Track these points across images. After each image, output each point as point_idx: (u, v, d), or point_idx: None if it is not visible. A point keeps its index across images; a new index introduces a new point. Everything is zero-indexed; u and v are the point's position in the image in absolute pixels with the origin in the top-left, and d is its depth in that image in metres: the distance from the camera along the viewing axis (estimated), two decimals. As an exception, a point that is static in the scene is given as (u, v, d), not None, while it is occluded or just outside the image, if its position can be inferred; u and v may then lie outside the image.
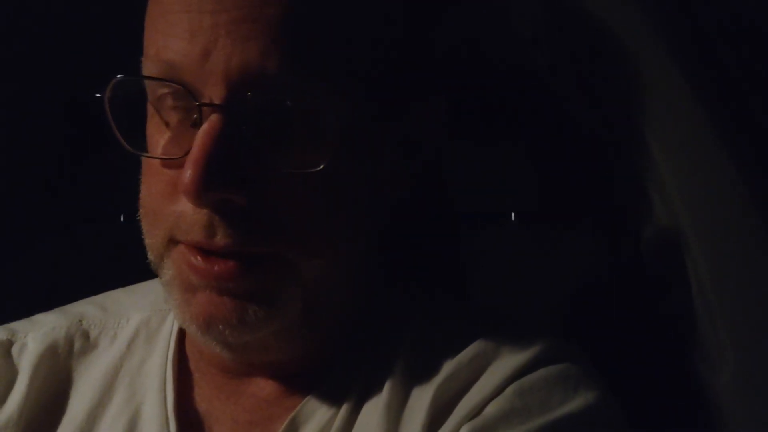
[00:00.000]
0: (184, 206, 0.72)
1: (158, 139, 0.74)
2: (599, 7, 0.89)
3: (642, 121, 0.89)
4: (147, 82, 0.74)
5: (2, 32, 1.03)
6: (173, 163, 0.72)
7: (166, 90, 0.73)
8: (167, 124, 0.74)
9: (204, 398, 0.81)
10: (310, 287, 0.74)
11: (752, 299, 0.84)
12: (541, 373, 0.76)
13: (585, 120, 0.95)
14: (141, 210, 0.77)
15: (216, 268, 0.71)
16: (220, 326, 0.72)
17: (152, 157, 0.74)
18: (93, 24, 1.04)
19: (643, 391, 0.88)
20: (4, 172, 1.06)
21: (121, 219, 1.02)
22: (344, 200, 0.75)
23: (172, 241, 0.74)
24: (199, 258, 0.72)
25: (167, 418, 0.80)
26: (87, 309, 0.89)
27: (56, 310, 0.90)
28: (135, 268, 0.86)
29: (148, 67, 0.73)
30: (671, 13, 0.87)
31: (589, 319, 0.94)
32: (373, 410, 0.77)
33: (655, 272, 0.91)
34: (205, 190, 0.69)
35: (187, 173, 0.69)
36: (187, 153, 0.70)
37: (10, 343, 0.86)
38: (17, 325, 0.88)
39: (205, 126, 0.70)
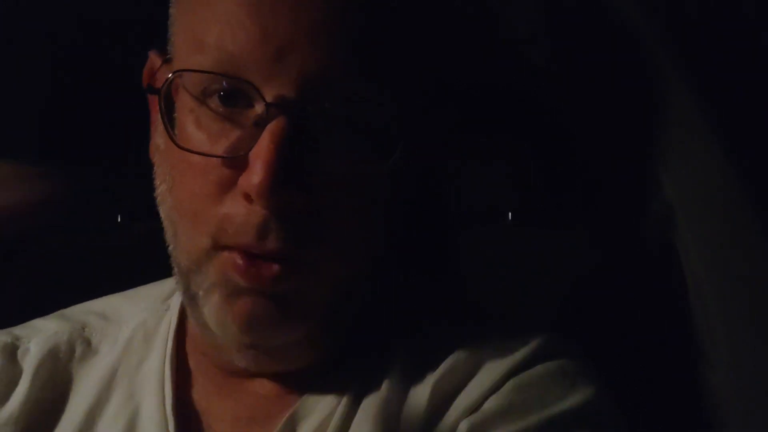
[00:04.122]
0: (232, 208, 0.71)
1: (197, 134, 0.72)
2: (597, 6, 0.90)
3: (638, 121, 0.89)
4: (195, 75, 0.72)
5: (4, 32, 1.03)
6: (228, 161, 0.71)
7: (218, 85, 0.71)
8: (215, 119, 0.72)
9: (204, 396, 0.81)
10: (339, 293, 0.74)
11: (748, 297, 0.85)
12: (539, 369, 0.77)
13: (581, 120, 0.96)
14: (178, 212, 0.74)
15: (264, 271, 0.71)
16: (264, 327, 0.72)
17: (210, 155, 0.71)
18: (94, 22, 1.04)
19: (639, 387, 0.89)
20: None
21: (118, 219, 1.03)
22: (378, 208, 0.75)
23: (215, 247, 0.72)
24: (244, 260, 0.71)
25: (166, 418, 0.80)
26: (89, 318, 0.88)
27: (57, 315, 0.90)
28: (135, 269, 0.87)
29: (201, 58, 0.71)
30: (669, 12, 0.88)
31: (585, 316, 0.95)
32: (372, 406, 0.77)
33: (651, 270, 0.92)
34: (275, 192, 0.68)
35: (257, 173, 0.68)
36: (247, 152, 0.69)
37: (15, 347, 0.86)
38: (19, 331, 0.88)
39: (273, 125, 0.68)
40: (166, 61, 0.76)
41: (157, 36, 0.79)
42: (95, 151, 1.07)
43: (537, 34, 0.95)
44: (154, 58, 0.79)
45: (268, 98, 0.69)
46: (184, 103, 0.74)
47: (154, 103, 0.78)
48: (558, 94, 0.96)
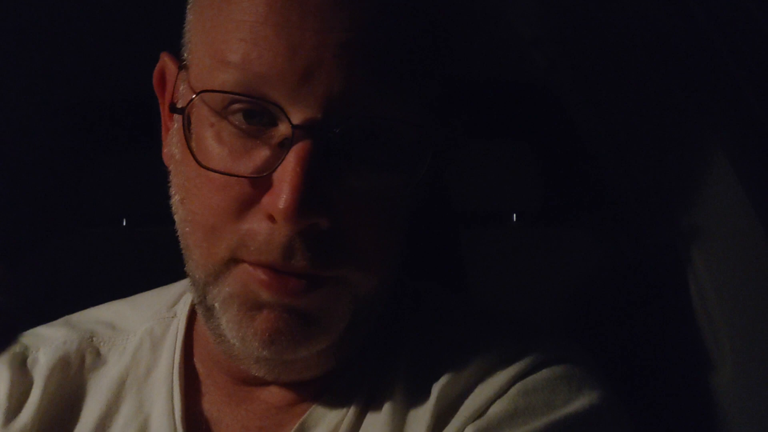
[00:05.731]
0: (255, 224, 0.70)
1: (218, 150, 0.71)
2: (597, 6, 0.90)
3: (641, 122, 0.89)
4: (219, 93, 0.70)
5: (9, 34, 1.03)
6: (250, 180, 0.70)
7: (242, 104, 0.70)
8: (237, 135, 0.71)
9: (214, 405, 0.81)
10: (361, 304, 0.74)
11: (750, 300, 0.85)
12: (544, 373, 0.77)
13: (586, 121, 0.96)
14: (191, 225, 0.73)
15: (290, 284, 0.70)
16: (285, 342, 0.72)
17: (234, 175, 0.70)
18: (98, 27, 1.04)
19: (644, 391, 0.89)
20: (9, 175, 1.06)
21: (124, 223, 1.03)
22: (400, 220, 0.75)
23: (233, 260, 0.72)
24: (269, 275, 0.70)
25: (176, 427, 0.80)
26: (97, 327, 0.87)
27: (62, 322, 0.89)
28: (140, 273, 0.86)
29: (225, 76, 0.70)
30: (669, 13, 0.88)
31: (589, 319, 0.95)
32: (380, 413, 0.77)
33: (655, 273, 0.92)
34: (302, 215, 0.68)
35: (284, 196, 0.67)
36: (271, 172, 0.69)
37: (24, 356, 0.85)
38: (26, 339, 0.87)
39: (299, 147, 0.68)
40: (182, 67, 0.75)
41: (161, 37, 0.78)
42: (101, 155, 1.08)
43: (539, 33, 0.95)
44: (167, 61, 0.78)
45: (295, 120, 0.68)
46: (204, 116, 0.72)
47: (166, 108, 0.78)
48: (566, 95, 0.96)
